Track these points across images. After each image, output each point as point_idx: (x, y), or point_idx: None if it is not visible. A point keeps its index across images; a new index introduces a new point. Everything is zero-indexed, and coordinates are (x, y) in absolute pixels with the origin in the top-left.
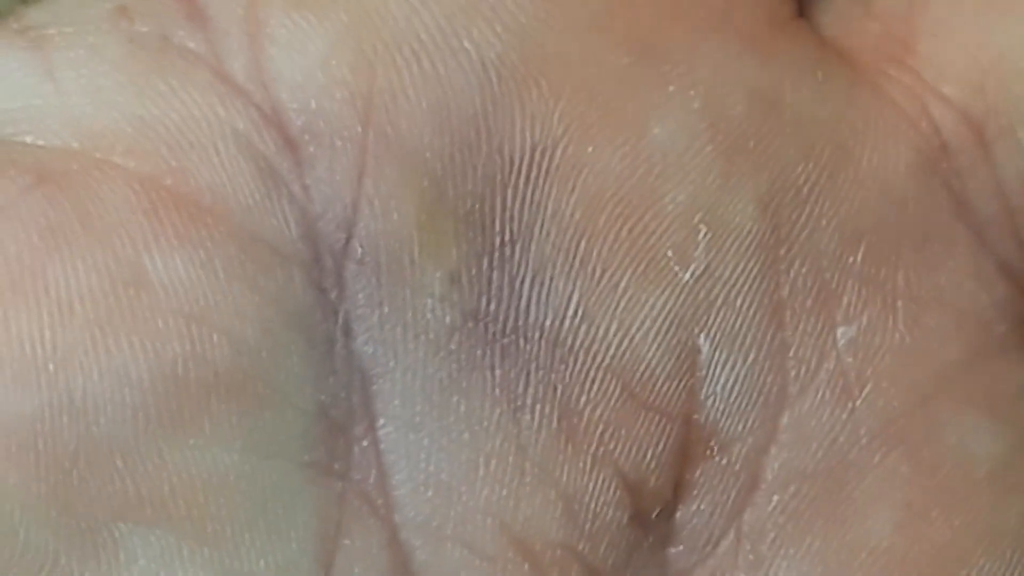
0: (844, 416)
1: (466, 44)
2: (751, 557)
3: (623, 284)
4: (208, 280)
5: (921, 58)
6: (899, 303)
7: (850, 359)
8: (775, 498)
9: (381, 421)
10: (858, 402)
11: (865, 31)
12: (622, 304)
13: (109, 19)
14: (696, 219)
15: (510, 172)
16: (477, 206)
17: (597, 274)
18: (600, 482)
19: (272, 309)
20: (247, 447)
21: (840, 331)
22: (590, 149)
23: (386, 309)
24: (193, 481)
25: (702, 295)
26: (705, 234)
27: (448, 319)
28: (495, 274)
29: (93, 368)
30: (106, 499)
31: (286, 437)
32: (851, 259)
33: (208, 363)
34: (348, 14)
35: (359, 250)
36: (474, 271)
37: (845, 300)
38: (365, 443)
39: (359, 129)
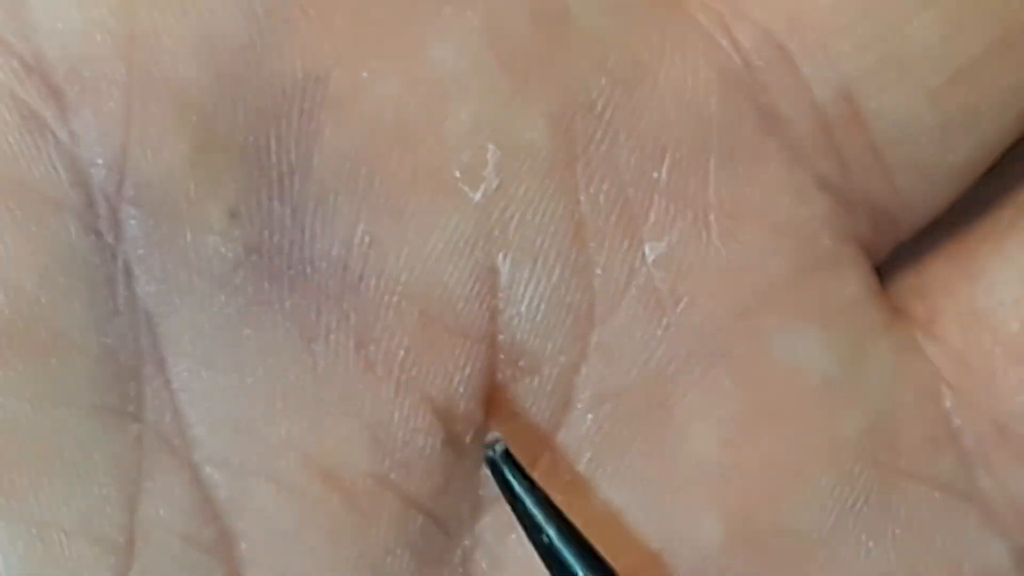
0: (659, 332)
1: None
2: (568, 477)
3: (410, 208)
4: None
5: None
6: (711, 217)
7: (661, 275)
8: (589, 417)
9: (171, 360)
10: (673, 317)
11: None
12: (411, 228)
13: None
14: (483, 139)
15: (283, 103)
16: (251, 139)
17: (382, 200)
18: (406, 408)
19: (47, 255)
20: (35, 395)
21: (648, 247)
22: (365, 75)
23: (166, 248)
24: None
25: (496, 215)
26: (494, 153)
27: (231, 254)
28: (276, 205)
29: None
30: None
31: (74, 383)
32: (655, 174)
33: None
34: None
35: (132, 192)
36: (254, 204)
37: (652, 216)
38: (156, 384)
39: (123, 71)
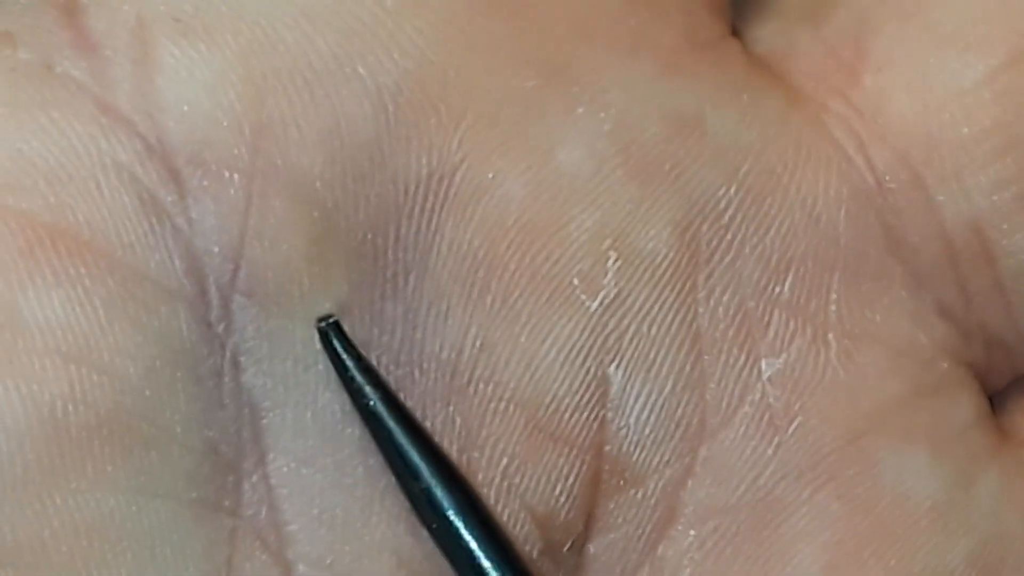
0: (769, 451)
1: (361, 70)
2: None
3: (525, 314)
4: (87, 318)
5: (865, 91)
6: (830, 336)
7: (777, 392)
8: (692, 533)
9: (271, 456)
10: (785, 437)
11: (808, 54)
12: (524, 334)
13: None
14: (605, 245)
15: (405, 201)
16: (370, 236)
17: (497, 304)
18: (506, 516)
19: (156, 346)
20: (132, 488)
21: (765, 363)
22: (491, 175)
23: (275, 342)
24: (76, 525)
25: (612, 324)
26: (615, 261)
27: None
28: (388, 305)
29: None
30: None
31: (172, 476)
32: (777, 289)
33: (89, 405)
34: (238, 41)
35: (246, 283)
36: (366, 302)
37: (771, 331)
38: (255, 478)
39: (246, 159)
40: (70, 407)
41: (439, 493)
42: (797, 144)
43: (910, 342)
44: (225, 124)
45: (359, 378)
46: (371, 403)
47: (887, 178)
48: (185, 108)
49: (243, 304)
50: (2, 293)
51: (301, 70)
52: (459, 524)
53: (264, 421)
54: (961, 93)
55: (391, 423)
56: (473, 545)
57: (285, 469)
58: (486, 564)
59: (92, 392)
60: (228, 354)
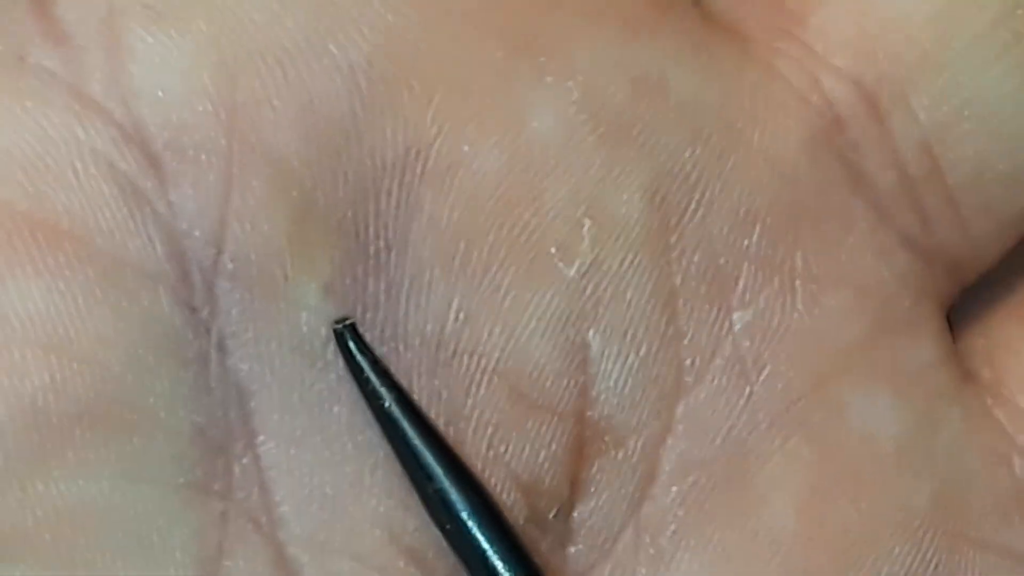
0: (742, 402)
1: (332, 48)
2: (651, 551)
3: (505, 284)
4: (67, 308)
5: (811, 30)
6: (797, 283)
7: (747, 343)
8: (674, 489)
9: (261, 437)
10: (756, 387)
11: (755, 4)
12: (506, 305)
13: None
14: (580, 213)
15: (382, 177)
16: (350, 214)
17: (478, 276)
18: (493, 484)
19: (138, 332)
20: (115, 475)
21: (736, 316)
22: (466, 148)
23: (260, 324)
24: (59, 513)
25: (590, 290)
26: (590, 228)
27: (323, 330)
28: (371, 281)
29: None
30: None
31: (158, 461)
32: (745, 242)
33: (69, 394)
34: (208, 24)
35: (229, 265)
36: (348, 280)
37: (741, 284)
38: (245, 460)
39: (223, 141)
40: (51, 396)
41: (453, 495)
42: (754, 96)
43: (874, 278)
44: (200, 108)
45: (374, 380)
46: (386, 404)
47: (843, 112)
48: (159, 94)
49: (227, 287)
50: None
51: (272, 50)
52: (473, 526)
53: (252, 403)
54: (900, 16)
55: (406, 425)
56: (487, 547)
57: (275, 450)
58: (500, 566)
59: (73, 381)
60: (214, 338)
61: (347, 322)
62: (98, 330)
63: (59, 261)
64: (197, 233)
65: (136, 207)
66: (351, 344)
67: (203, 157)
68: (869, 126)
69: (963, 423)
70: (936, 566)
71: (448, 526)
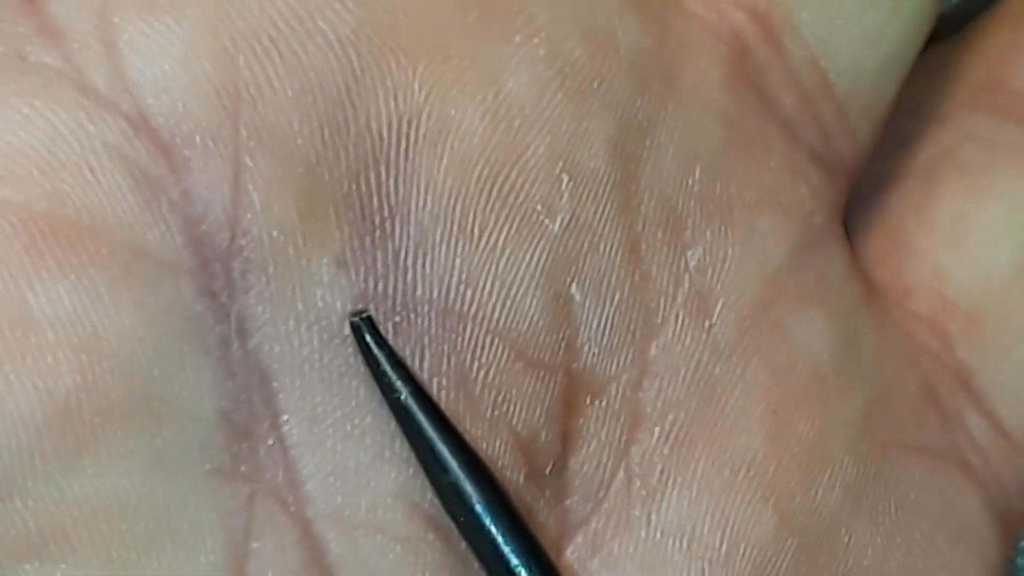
0: (704, 336)
1: (321, 24)
2: (643, 492)
3: (501, 243)
4: (94, 306)
5: None
6: (735, 213)
7: (701, 279)
8: (657, 430)
9: (284, 417)
10: (713, 319)
11: None
12: (502, 264)
13: None
14: (558, 169)
15: (381, 147)
16: (354, 186)
17: (475, 237)
18: (497, 446)
19: (162, 324)
20: (146, 467)
21: (689, 253)
22: (452, 112)
23: (277, 304)
24: (94, 510)
25: (571, 244)
26: (568, 183)
27: (339, 305)
28: (379, 252)
29: None
30: (10, 543)
31: (186, 450)
32: (690, 181)
33: (100, 391)
34: (203, 10)
35: (244, 248)
36: (358, 252)
37: (690, 222)
38: (270, 441)
39: (229, 125)
40: (83, 395)
41: (467, 487)
42: (678, 38)
43: (794, 196)
44: (204, 94)
45: (390, 372)
46: (401, 396)
47: (747, 42)
48: (162, 83)
49: (243, 270)
50: (11, 291)
51: (266, 30)
52: (486, 518)
53: (274, 384)
54: None
55: (421, 417)
56: (500, 539)
57: (297, 429)
58: (513, 559)
59: (103, 379)
60: (233, 322)
61: (364, 315)
62: (124, 325)
63: (82, 259)
64: (211, 218)
65: (152, 197)
66: (368, 337)
67: (211, 143)
68: (767, 50)
69: (876, 332)
70: (876, 475)
71: (462, 518)
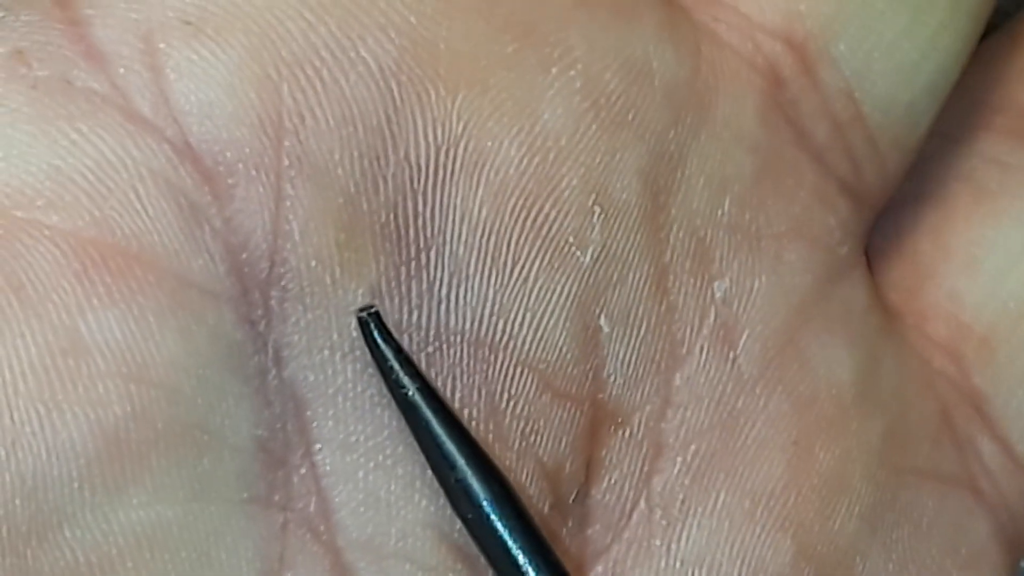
0: (728, 367)
1: (364, 53)
2: (664, 523)
3: (533, 275)
4: (143, 335)
5: None
6: (763, 243)
7: (727, 310)
8: (679, 460)
9: (317, 446)
10: (738, 351)
11: None
12: (534, 295)
13: (6, 65)
14: (590, 201)
15: (419, 178)
16: (391, 216)
17: (508, 268)
18: (524, 477)
19: (205, 353)
20: (188, 497)
21: (716, 284)
22: (489, 143)
23: (313, 333)
24: (139, 540)
25: (601, 275)
26: (599, 215)
27: None
28: (413, 283)
29: (41, 447)
30: (59, 573)
31: (224, 479)
32: (719, 212)
33: (148, 421)
34: (248, 37)
35: (283, 277)
36: (393, 283)
37: (718, 254)
38: (303, 470)
39: (271, 154)
40: (131, 425)
41: (474, 484)
42: (712, 68)
43: (822, 227)
44: (247, 122)
45: (398, 369)
46: (409, 393)
47: (782, 72)
48: (207, 110)
49: (281, 298)
50: (64, 319)
51: (310, 59)
52: (493, 515)
53: (308, 413)
54: None
55: (428, 414)
56: (507, 536)
57: (330, 458)
58: (520, 556)
59: (150, 408)
60: (271, 351)
61: (371, 310)
62: (170, 353)
63: (131, 287)
64: (252, 247)
65: (196, 225)
66: (375, 333)
67: (253, 171)
68: (803, 81)
69: (895, 359)
70: (892, 502)
71: (469, 516)
